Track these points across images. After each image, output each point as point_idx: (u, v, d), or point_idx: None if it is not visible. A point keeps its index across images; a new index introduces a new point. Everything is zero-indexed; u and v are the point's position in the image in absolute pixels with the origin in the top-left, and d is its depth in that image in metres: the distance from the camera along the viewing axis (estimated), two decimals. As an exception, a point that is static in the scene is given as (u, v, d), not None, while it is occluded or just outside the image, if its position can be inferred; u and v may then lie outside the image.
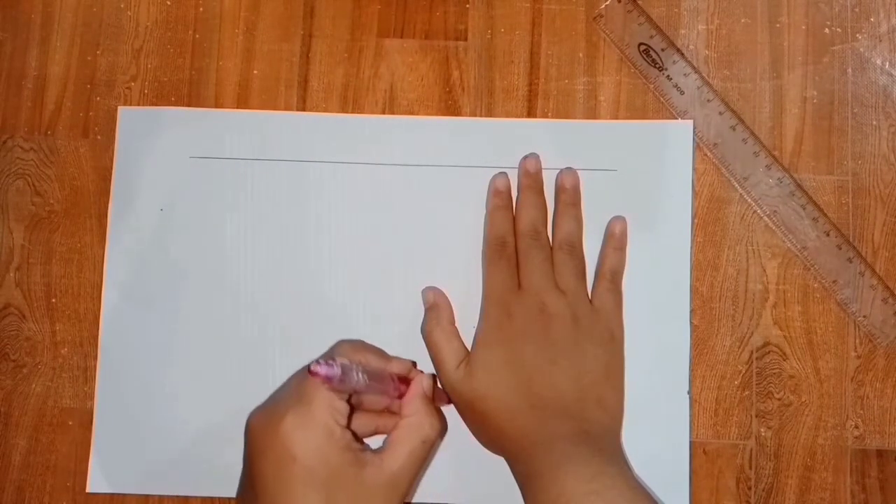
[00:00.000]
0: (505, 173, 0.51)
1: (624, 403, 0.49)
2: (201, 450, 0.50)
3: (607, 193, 0.51)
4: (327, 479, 0.41)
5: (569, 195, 0.50)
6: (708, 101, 0.51)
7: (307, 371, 0.40)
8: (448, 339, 0.48)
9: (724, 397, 0.50)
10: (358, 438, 0.43)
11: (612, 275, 0.50)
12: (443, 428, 0.46)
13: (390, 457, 0.43)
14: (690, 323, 0.50)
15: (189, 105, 0.52)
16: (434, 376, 0.46)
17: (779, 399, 0.50)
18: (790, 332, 0.50)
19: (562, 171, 0.51)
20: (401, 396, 0.45)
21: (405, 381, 0.45)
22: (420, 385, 0.45)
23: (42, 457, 0.50)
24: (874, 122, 0.51)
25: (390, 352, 0.47)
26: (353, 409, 0.43)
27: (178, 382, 0.50)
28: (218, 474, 0.49)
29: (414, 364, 0.47)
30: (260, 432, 0.42)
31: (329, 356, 0.43)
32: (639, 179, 0.51)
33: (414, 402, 0.44)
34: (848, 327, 0.50)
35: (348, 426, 0.42)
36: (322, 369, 0.39)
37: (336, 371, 0.40)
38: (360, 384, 0.41)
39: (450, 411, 0.48)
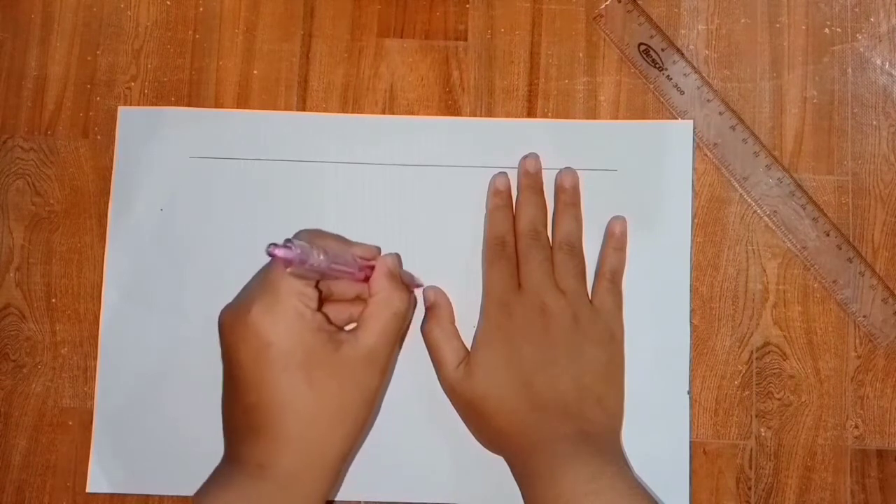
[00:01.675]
0: (505, 173, 0.51)
1: (624, 403, 0.49)
2: (201, 449, 0.49)
3: (607, 193, 0.51)
4: (305, 360, 0.41)
5: (568, 195, 0.50)
6: (708, 101, 0.51)
7: (270, 260, 0.40)
8: (448, 339, 0.48)
9: (724, 397, 0.50)
10: (331, 322, 0.43)
11: (612, 275, 0.50)
12: (411, 301, 0.46)
13: (364, 332, 0.43)
14: (690, 323, 0.50)
15: (189, 105, 0.52)
16: (398, 255, 0.46)
17: (779, 399, 0.50)
18: (790, 332, 0.50)
19: (561, 170, 0.51)
20: (367, 280, 0.45)
21: (371, 266, 0.45)
22: (385, 264, 0.45)
23: (42, 457, 0.50)
24: (874, 122, 0.51)
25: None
26: (323, 296, 0.44)
27: (178, 382, 0.50)
28: (218, 474, 0.49)
29: (378, 250, 0.47)
30: (231, 325, 0.42)
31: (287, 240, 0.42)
32: (639, 179, 0.51)
33: (380, 280, 0.44)
34: (848, 327, 0.50)
35: (319, 310, 0.42)
36: (280, 251, 0.39)
37: (295, 251, 0.40)
38: (323, 265, 0.41)
39: (450, 411, 0.48)
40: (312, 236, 0.44)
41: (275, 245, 0.39)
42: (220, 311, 0.43)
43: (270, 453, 0.41)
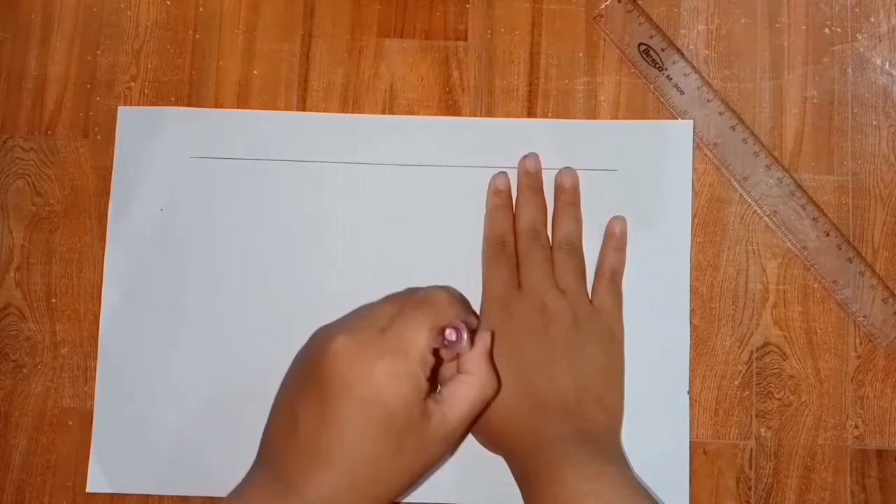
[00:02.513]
0: (505, 173, 0.51)
1: (624, 403, 0.49)
2: (202, 449, 0.50)
3: (607, 193, 0.51)
4: (402, 427, 0.41)
5: (568, 195, 0.50)
6: (708, 101, 0.51)
7: (398, 308, 0.42)
8: None
9: (724, 397, 0.50)
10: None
11: (612, 275, 0.50)
12: (499, 388, 0.46)
13: (452, 411, 0.43)
14: (690, 323, 0.50)
15: (189, 105, 0.52)
16: (493, 334, 0.46)
17: (779, 399, 0.50)
18: (790, 332, 0.50)
19: (561, 170, 0.51)
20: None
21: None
22: (485, 344, 0.45)
23: (42, 457, 0.50)
24: (874, 122, 0.51)
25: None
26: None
27: (178, 382, 0.50)
28: (218, 474, 0.49)
29: (478, 319, 0.47)
30: (348, 362, 0.41)
31: (450, 320, 0.43)
32: (639, 179, 0.51)
33: (478, 362, 0.44)
34: (848, 327, 0.50)
35: (430, 378, 0.42)
36: (454, 338, 0.42)
37: (464, 344, 0.42)
38: (463, 350, 0.43)
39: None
40: (454, 305, 0.44)
41: (454, 330, 0.42)
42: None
43: (332, 495, 0.41)
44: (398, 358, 0.41)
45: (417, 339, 0.41)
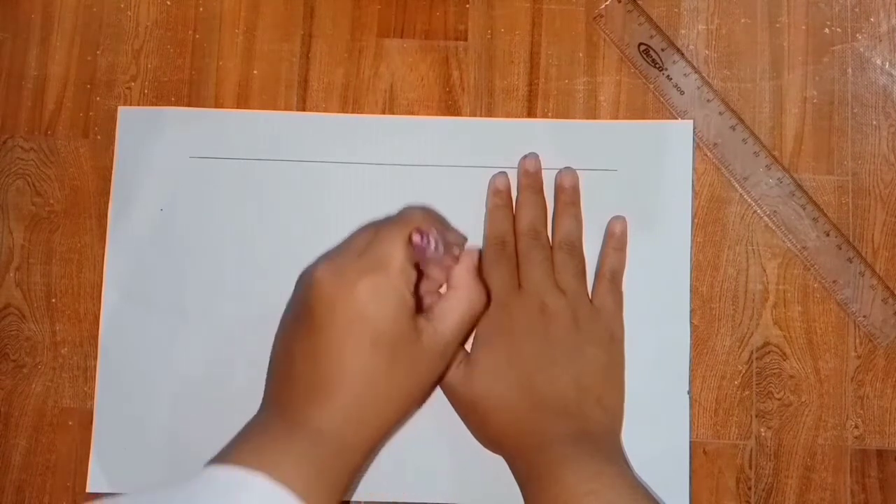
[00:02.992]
0: (504, 173, 0.51)
1: (624, 403, 0.49)
2: (201, 449, 0.49)
3: (607, 193, 0.51)
4: (393, 343, 0.41)
5: (568, 195, 0.50)
6: (708, 101, 0.51)
7: (374, 232, 0.42)
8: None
9: (724, 397, 0.50)
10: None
11: (612, 275, 0.50)
12: (488, 301, 0.46)
13: (442, 325, 0.43)
14: (690, 323, 0.50)
15: (189, 105, 0.52)
16: (480, 251, 0.46)
17: (779, 399, 0.50)
18: (790, 332, 0.50)
19: (561, 170, 0.51)
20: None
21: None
22: (471, 259, 0.45)
23: (42, 457, 0.50)
24: (874, 122, 0.51)
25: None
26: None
27: (178, 382, 0.50)
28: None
29: (465, 238, 0.48)
30: (330, 288, 0.41)
31: (416, 224, 0.43)
32: (639, 179, 0.51)
33: (464, 275, 0.44)
34: (848, 327, 0.50)
35: (414, 293, 0.43)
36: (421, 241, 0.41)
37: (433, 248, 0.42)
38: (436, 257, 0.43)
39: (449, 410, 0.48)
40: (426, 219, 0.44)
41: (419, 233, 0.42)
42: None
43: (335, 421, 0.41)
44: (378, 274, 0.41)
45: (395, 253, 0.42)
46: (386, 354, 0.41)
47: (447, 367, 0.45)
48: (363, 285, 0.41)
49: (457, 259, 0.45)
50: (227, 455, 0.41)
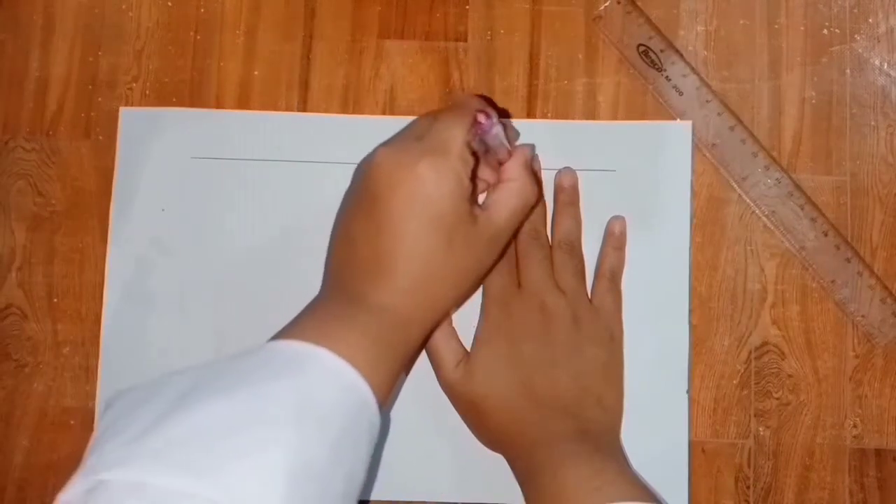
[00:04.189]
0: None
1: (623, 402, 0.49)
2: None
3: (606, 194, 0.51)
4: (451, 224, 0.42)
5: (567, 195, 0.50)
6: (707, 101, 0.51)
7: (433, 117, 0.44)
8: (446, 339, 0.48)
9: (722, 397, 0.50)
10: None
11: (611, 274, 0.50)
12: (540, 194, 0.48)
13: (496, 213, 0.44)
14: (689, 323, 0.50)
15: (190, 106, 0.52)
16: (533, 146, 0.48)
17: (777, 398, 0.50)
18: (789, 332, 0.50)
19: (560, 170, 0.51)
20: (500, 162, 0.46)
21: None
22: (524, 154, 0.46)
23: (44, 456, 0.50)
24: (872, 123, 0.52)
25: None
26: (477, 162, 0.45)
27: (179, 382, 0.50)
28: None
29: (517, 133, 0.49)
30: (392, 168, 0.42)
31: (479, 107, 0.44)
32: (638, 180, 0.51)
33: (517, 168, 0.45)
34: (846, 327, 0.50)
35: (472, 179, 0.44)
36: (486, 122, 0.42)
37: (495, 131, 0.42)
38: (496, 142, 0.44)
39: (450, 410, 0.49)
40: (480, 102, 0.45)
41: (486, 113, 0.42)
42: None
43: (396, 297, 0.42)
44: (438, 156, 0.42)
45: (455, 136, 0.43)
46: (444, 235, 0.42)
47: (499, 257, 0.46)
48: (424, 166, 0.42)
49: (510, 153, 0.46)
50: (290, 331, 0.41)
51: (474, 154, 0.44)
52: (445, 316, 0.47)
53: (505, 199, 0.45)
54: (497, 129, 0.43)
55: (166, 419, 0.36)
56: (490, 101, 0.46)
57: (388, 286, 0.42)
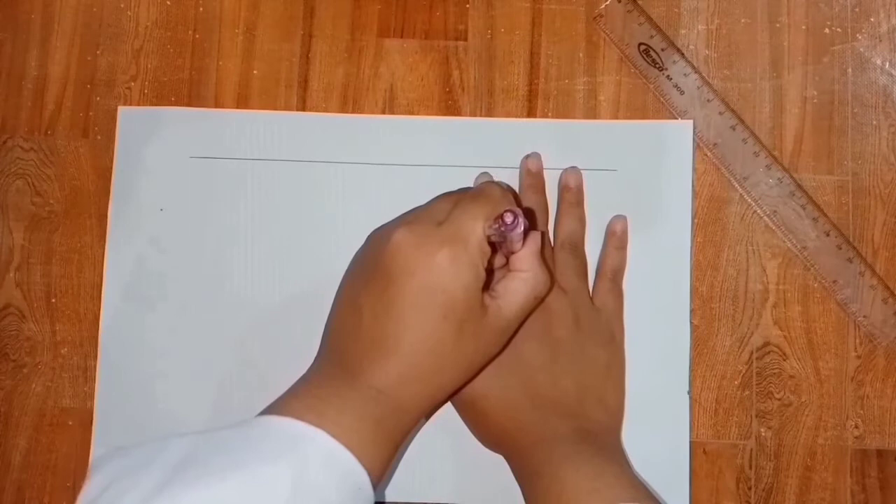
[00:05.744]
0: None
1: (624, 403, 0.49)
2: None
3: (607, 193, 0.51)
4: (463, 315, 0.42)
5: (572, 195, 0.50)
6: (708, 101, 0.51)
7: (454, 202, 0.43)
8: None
9: (724, 397, 0.50)
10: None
11: (613, 274, 0.50)
12: (552, 285, 0.47)
13: (506, 305, 0.44)
14: (690, 323, 0.50)
15: (189, 105, 0.52)
16: (545, 233, 0.47)
17: (779, 399, 0.50)
18: (790, 333, 0.50)
19: (565, 170, 0.51)
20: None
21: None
22: (536, 243, 0.45)
23: (42, 457, 0.50)
24: (874, 122, 0.51)
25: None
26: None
27: (177, 382, 0.50)
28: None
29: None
30: (410, 252, 0.42)
31: (496, 202, 0.43)
32: (639, 179, 0.51)
33: (530, 259, 0.45)
34: (848, 327, 0.50)
35: (487, 269, 0.43)
36: (512, 223, 0.41)
37: (520, 227, 0.42)
38: (517, 238, 0.43)
39: (450, 410, 0.48)
40: (505, 199, 0.44)
41: (514, 214, 0.41)
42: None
43: (398, 383, 0.42)
44: (458, 246, 0.42)
45: (475, 228, 0.42)
46: (454, 325, 0.42)
47: (504, 347, 0.46)
48: (443, 255, 0.41)
49: (522, 245, 0.45)
50: (286, 404, 0.41)
51: (491, 244, 0.43)
52: (444, 401, 0.46)
53: (516, 290, 0.44)
54: (521, 228, 0.42)
55: (160, 497, 0.36)
56: (510, 190, 0.46)
57: (391, 370, 0.42)
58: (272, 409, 0.41)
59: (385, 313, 0.42)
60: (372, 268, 0.43)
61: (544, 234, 0.47)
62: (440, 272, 0.41)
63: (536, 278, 0.45)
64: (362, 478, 0.39)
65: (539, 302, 0.46)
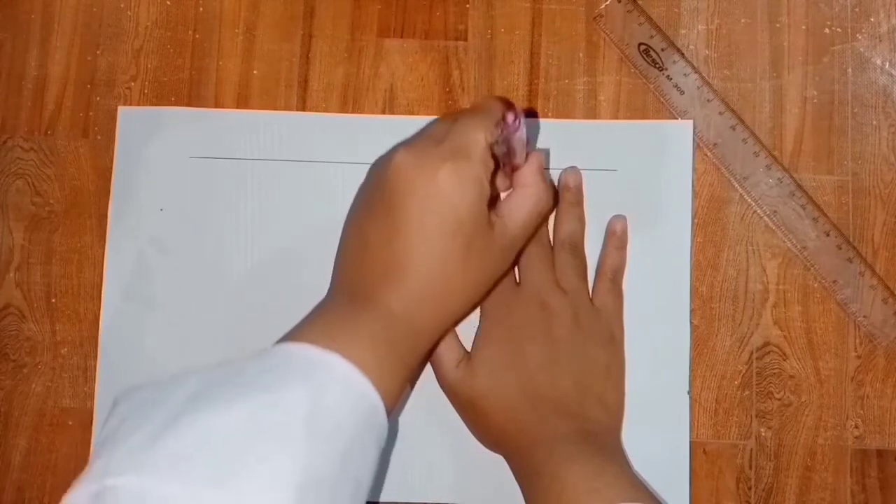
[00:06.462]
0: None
1: (624, 403, 0.49)
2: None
3: (607, 193, 0.51)
4: (470, 231, 0.42)
5: (572, 194, 0.50)
6: (708, 101, 0.51)
7: (452, 120, 0.42)
8: (447, 339, 0.48)
9: (724, 397, 0.50)
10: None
11: (613, 274, 0.50)
12: (555, 202, 0.47)
13: (512, 221, 0.44)
14: (690, 323, 0.50)
15: (189, 105, 0.52)
16: (548, 151, 0.47)
17: (779, 399, 0.50)
18: (790, 333, 0.50)
19: (565, 170, 0.50)
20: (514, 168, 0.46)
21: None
22: (539, 159, 0.45)
23: (42, 457, 0.50)
24: (874, 122, 0.51)
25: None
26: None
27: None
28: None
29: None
30: (411, 172, 0.42)
31: (497, 114, 0.43)
32: (639, 179, 0.51)
33: (533, 175, 0.45)
34: (848, 327, 0.50)
35: (490, 184, 0.43)
36: (514, 122, 0.41)
37: (524, 129, 0.41)
38: (520, 145, 0.43)
39: (450, 410, 0.48)
40: (502, 105, 0.44)
41: (514, 114, 0.41)
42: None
43: (408, 304, 0.41)
44: (460, 161, 0.41)
45: (477, 140, 0.42)
46: (462, 242, 0.41)
47: (512, 265, 0.46)
48: (445, 171, 0.41)
49: (525, 158, 0.45)
50: (300, 333, 0.41)
51: (494, 158, 0.43)
52: (455, 324, 0.46)
53: (521, 206, 0.44)
54: (524, 130, 0.42)
55: (175, 425, 0.35)
56: (511, 104, 0.46)
57: (401, 292, 0.41)
58: (287, 338, 0.40)
59: (392, 236, 0.42)
60: (375, 195, 0.43)
61: (547, 151, 0.47)
62: (445, 188, 0.41)
63: (539, 194, 0.45)
64: (376, 400, 0.39)
65: (542, 218, 0.46)
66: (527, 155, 0.45)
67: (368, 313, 0.41)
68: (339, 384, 0.38)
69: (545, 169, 0.46)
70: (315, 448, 0.36)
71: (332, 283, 0.45)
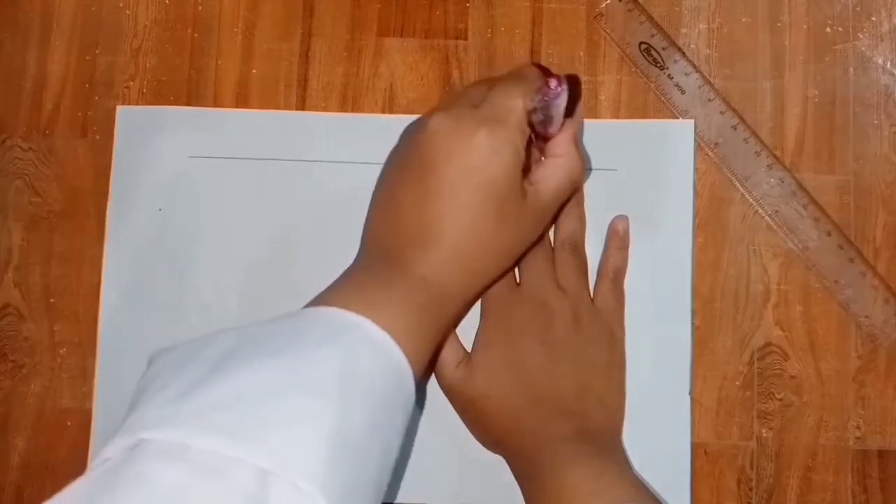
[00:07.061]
0: None
1: (625, 403, 0.49)
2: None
3: (608, 193, 0.50)
4: (504, 197, 0.42)
5: (573, 195, 0.50)
6: (709, 100, 0.51)
7: (489, 85, 0.43)
8: (446, 339, 0.48)
9: (725, 398, 0.50)
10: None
11: (614, 274, 0.49)
12: (588, 173, 0.47)
13: (544, 190, 0.44)
14: (691, 323, 0.50)
15: (188, 104, 0.52)
16: (581, 122, 0.47)
17: (780, 400, 0.50)
18: (791, 333, 0.50)
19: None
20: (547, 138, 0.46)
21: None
22: (574, 128, 0.45)
23: (41, 457, 0.50)
24: (876, 122, 0.51)
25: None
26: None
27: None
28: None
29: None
30: (447, 136, 0.41)
31: (534, 81, 0.43)
32: (639, 179, 0.51)
33: (567, 144, 0.45)
34: (849, 328, 0.50)
35: (525, 151, 0.43)
36: (556, 88, 0.41)
37: (564, 96, 0.41)
38: (558, 112, 0.43)
39: (450, 411, 0.48)
40: (539, 74, 0.44)
41: (558, 79, 0.42)
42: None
43: (440, 268, 0.41)
44: (497, 126, 0.41)
45: (515, 105, 0.42)
46: (495, 208, 0.41)
47: (541, 235, 0.46)
48: (482, 135, 0.41)
49: (560, 127, 0.45)
50: (331, 296, 0.40)
51: (530, 125, 0.43)
52: (483, 290, 0.45)
53: (553, 175, 0.44)
54: (564, 98, 0.42)
55: (210, 380, 0.35)
56: (550, 71, 0.46)
57: (433, 256, 0.41)
58: (316, 302, 0.40)
59: (425, 200, 0.41)
60: (409, 158, 0.43)
61: (582, 122, 0.46)
62: (480, 153, 0.41)
63: (572, 163, 0.44)
64: (405, 365, 0.38)
65: (574, 187, 0.45)
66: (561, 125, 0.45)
67: (400, 278, 0.41)
68: (370, 348, 0.38)
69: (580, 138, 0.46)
70: (347, 408, 0.36)
71: (361, 247, 0.45)
